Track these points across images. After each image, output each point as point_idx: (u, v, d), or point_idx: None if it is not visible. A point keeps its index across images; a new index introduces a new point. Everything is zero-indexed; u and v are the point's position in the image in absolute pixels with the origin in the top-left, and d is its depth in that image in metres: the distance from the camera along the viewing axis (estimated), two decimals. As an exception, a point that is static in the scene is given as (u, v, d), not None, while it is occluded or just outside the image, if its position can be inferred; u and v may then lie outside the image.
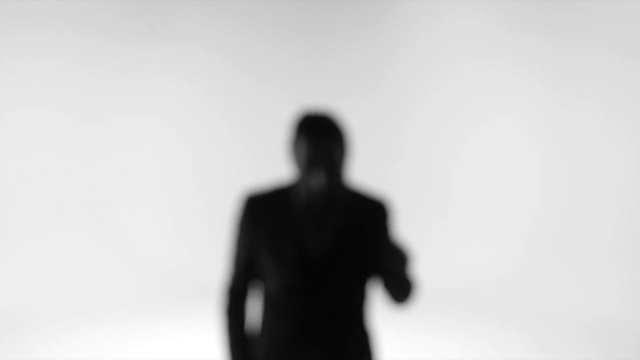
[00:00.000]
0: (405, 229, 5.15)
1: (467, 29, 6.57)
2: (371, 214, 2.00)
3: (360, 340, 2.00)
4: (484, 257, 6.22)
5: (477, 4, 6.54)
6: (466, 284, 5.96)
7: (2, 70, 6.03)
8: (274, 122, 5.96)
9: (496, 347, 4.67)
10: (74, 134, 6.37)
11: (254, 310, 2.03)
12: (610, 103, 5.81)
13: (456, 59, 6.64)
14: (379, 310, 2.85)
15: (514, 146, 6.46)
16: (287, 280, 1.92)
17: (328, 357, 1.94)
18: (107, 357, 4.45)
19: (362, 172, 6.43)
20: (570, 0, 6.05)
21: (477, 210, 6.51)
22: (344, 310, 1.96)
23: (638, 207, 5.66)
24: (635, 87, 5.66)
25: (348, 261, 1.93)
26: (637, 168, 5.68)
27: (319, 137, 1.83)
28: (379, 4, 6.94)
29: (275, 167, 5.54)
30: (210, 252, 4.79)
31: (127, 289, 5.88)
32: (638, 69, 5.61)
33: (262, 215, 1.97)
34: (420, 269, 4.61)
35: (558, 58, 6.11)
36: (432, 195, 6.68)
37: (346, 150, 1.90)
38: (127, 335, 4.88)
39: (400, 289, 1.96)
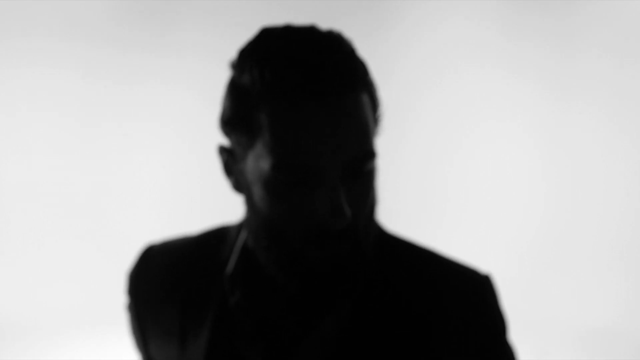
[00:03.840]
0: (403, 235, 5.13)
1: (467, 36, 6.57)
2: (436, 313, 0.87)
3: None
4: (482, 265, 6.19)
5: (477, 12, 6.54)
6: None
7: (3, 78, 6.03)
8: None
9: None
10: (75, 143, 6.37)
11: None
12: (613, 110, 5.80)
13: (456, 66, 6.62)
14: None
15: (514, 154, 6.44)
16: None
17: None
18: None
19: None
20: (571, 6, 6.06)
21: (476, 218, 6.48)
22: None
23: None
24: (636, 92, 5.65)
25: None
26: (639, 175, 5.67)
27: (323, 103, 0.74)
28: (378, 12, 6.96)
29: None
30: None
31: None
32: (638, 73, 5.61)
33: (159, 313, 0.94)
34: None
35: (560, 64, 6.10)
36: (432, 201, 6.66)
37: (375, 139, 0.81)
38: (129, 343, 4.87)
39: None
